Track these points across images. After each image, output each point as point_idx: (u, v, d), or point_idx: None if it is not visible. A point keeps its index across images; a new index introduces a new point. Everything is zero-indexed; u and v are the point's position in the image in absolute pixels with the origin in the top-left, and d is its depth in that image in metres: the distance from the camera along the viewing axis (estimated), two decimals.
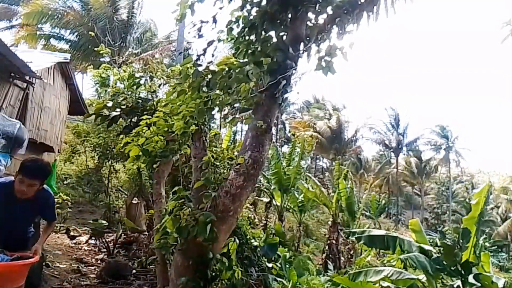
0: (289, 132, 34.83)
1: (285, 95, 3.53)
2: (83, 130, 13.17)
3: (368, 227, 17.36)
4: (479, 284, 4.16)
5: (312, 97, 42.02)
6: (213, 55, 3.81)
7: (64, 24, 20.52)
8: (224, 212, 3.39)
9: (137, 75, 5.97)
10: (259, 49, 3.47)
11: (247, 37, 3.57)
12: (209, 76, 3.50)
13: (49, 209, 3.32)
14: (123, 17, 21.15)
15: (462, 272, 4.40)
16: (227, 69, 3.51)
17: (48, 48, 19.83)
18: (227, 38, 3.71)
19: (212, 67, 3.57)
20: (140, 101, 5.44)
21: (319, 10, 3.54)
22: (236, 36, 3.63)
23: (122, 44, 20.74)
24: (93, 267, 6.61)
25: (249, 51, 3.50)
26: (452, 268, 4.49)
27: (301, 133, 30.91)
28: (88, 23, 19.94)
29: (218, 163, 3.95)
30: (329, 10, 3.53)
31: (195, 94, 3.58)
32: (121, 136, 5.48)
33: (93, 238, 8.25)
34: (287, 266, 7.78)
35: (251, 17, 3.55)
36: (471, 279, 4.28)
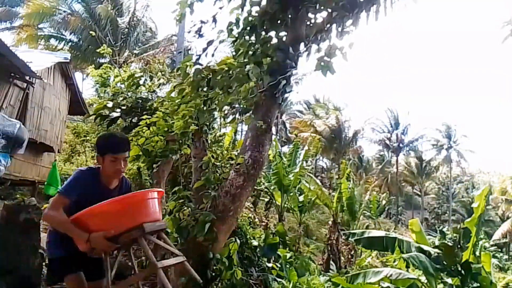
0: (289, 132, 34.82)
1: (285, 95, 3.54)
2: (83, 130, 13.18)
3: (367, 227, 17.35)
4: (478, 284, 4.16)
5: (312, 97, 42.03)
6: (213, 55, 3.82)
7: (65, 26, 20.56)
8: (224, 212, 3.39)
9: (137, 75, 5.97)
10: (259, 50, 3.47)
11: (247, 37, 3.58)
12: (209, 76, 3.51)
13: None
14: (125, 19, 21.17)
15: (462, 272, 4.40)
16: (227, 68, 3.51)
17: (48, 49, 19.83)
18: (227, 38, 3.71)
19: (212, 67, 3.58)
20: (140, 101, 5.44)
21: (318, 10, 3.54)
22: (236, 36, 3.63)
23: (122, 45, 20.76)
24: None
25: (249, 52, 3.51)
26: (452, 268, 4.50)
27: (302, 134, 30.91)
28: (90, 25, 19.95)
29: (218, 163, 3.95)
30: (329, 9, 3.53)
31: (194, 93, 3.58)
32: None
33: None
34: (288, 266, 7.78)
35: (251, 18, 3.55)
36: (470, 279, 4.29)
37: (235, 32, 3.65)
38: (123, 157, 2.43)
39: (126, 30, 21.01)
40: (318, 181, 16.23)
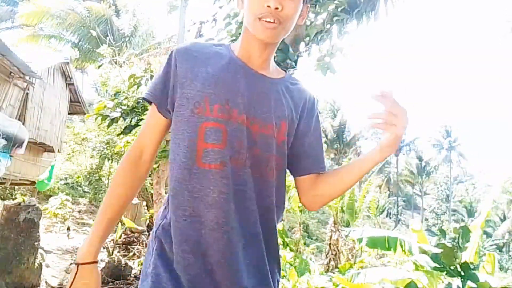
0: None
1: None
2: (82, 130, 13.19)
3: (368, 227, 17.33)
4: (476, 285, 4.15)
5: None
6: None
7: (65, 25, 20.56)
8: None
9: (138, 75, 5.98)
10: None
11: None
12: None
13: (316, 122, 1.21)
14: (124, 18, 21.18)
15: (462, 272, 4.39)
16: None
17: (48, 48, 19.84)
18: (225, 31, 3.69)
19: None
20: (141, 100, 5.45)
21: (318, 10, 3.54)
22: (234, 32, 3.62)
23: (122, 45, 20.76)
24: None
25: None
26: (452, 268, 4.49)
27: None
28: (89, 24, 19.96)
29: None
30: (329, 9, 3.52)
31: None
32: (121, 136, 5.49)
33: None
34: (287, 266, 7.77)
35: None
36: (470, 280, 4.28)
37: (233, 27, 3.61)
38: None
39: (126, 29, 21.03)
40: None
